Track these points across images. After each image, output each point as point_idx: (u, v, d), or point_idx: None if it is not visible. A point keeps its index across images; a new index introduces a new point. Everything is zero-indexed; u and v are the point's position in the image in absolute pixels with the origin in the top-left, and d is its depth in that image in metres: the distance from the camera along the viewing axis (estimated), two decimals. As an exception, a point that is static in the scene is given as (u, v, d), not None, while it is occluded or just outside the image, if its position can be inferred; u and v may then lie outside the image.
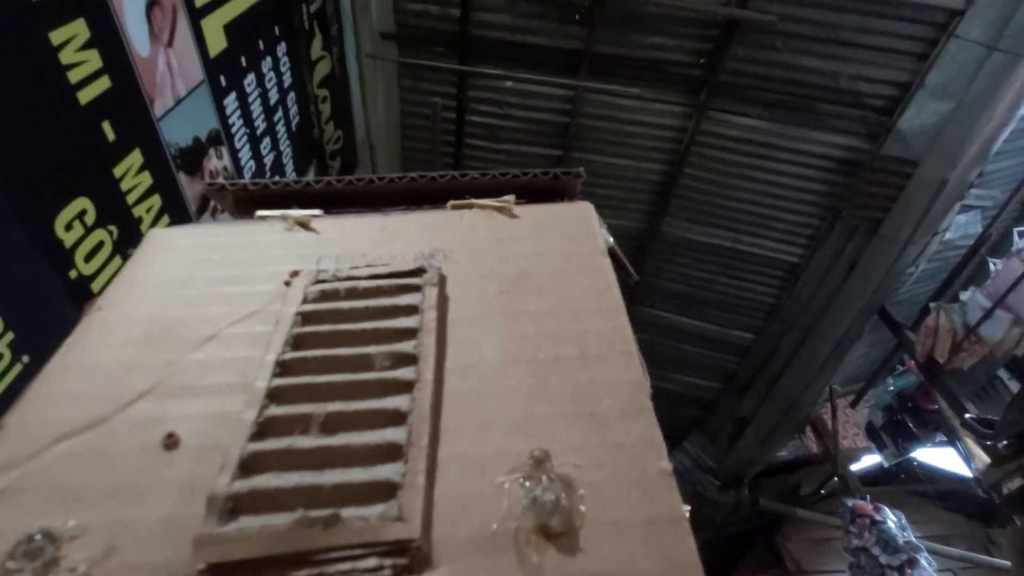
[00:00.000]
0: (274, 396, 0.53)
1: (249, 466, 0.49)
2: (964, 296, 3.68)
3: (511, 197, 0.77)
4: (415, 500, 0.47)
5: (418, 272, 0.64)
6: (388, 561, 0.44)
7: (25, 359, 1.34)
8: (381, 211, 0.76)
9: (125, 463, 0.50)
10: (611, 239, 0.76)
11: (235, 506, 0.47)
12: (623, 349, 0.60)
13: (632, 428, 0.53)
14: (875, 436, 5.34)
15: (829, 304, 3.67)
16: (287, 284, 0.64)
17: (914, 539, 6.02)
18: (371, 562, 0.44)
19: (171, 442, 0.51)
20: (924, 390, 4.48)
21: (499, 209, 0.75)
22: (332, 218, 0.74)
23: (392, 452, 0.50)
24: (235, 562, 0.44)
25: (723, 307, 4.12)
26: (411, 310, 0.61)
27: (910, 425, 4.96)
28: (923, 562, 6.01)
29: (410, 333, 0.58)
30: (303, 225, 0.71)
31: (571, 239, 0.71)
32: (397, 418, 0.52)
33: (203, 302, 0.63)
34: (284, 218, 0.72)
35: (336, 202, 0.77)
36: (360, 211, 0.77)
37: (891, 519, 5.77)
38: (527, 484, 0.49)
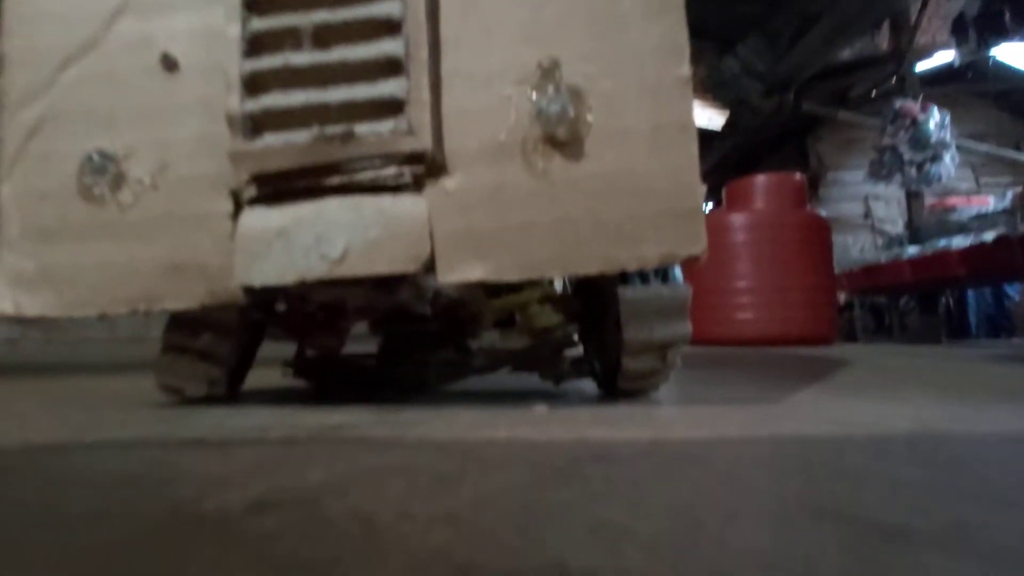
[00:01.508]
0: (252, 6, 0.48)
1: (254, 85, 0.48)
2: None
3: None
4: (423, 115, 0.47)
5: None
6: (407, 169, 0.49)
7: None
8: None
9: (138, 87, 0.51)
10: None
11: (255, 125, 0.49)
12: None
13: (653, 30, 0.47)
14: (960, 30, 4.74)
15: None
16: None
17: (948, 138, 6.07)
18: (392, 170, 0.49)
19: (169, 63, 0.50)
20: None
21: None
22: None
23: (393, 67, 0.47)
24: (272, 173, 0.49)
25: None
26: None
27: (1006, 16, 4.31)
28: (946, 159, 6.22)
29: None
30: None
31: None
32: (391, 27, 0.47)
33: None
34: None
35: None
36: None
37: (933, 119, 5.69)
38: (535, 96, 0.47)
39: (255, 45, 0.48)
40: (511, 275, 0.49)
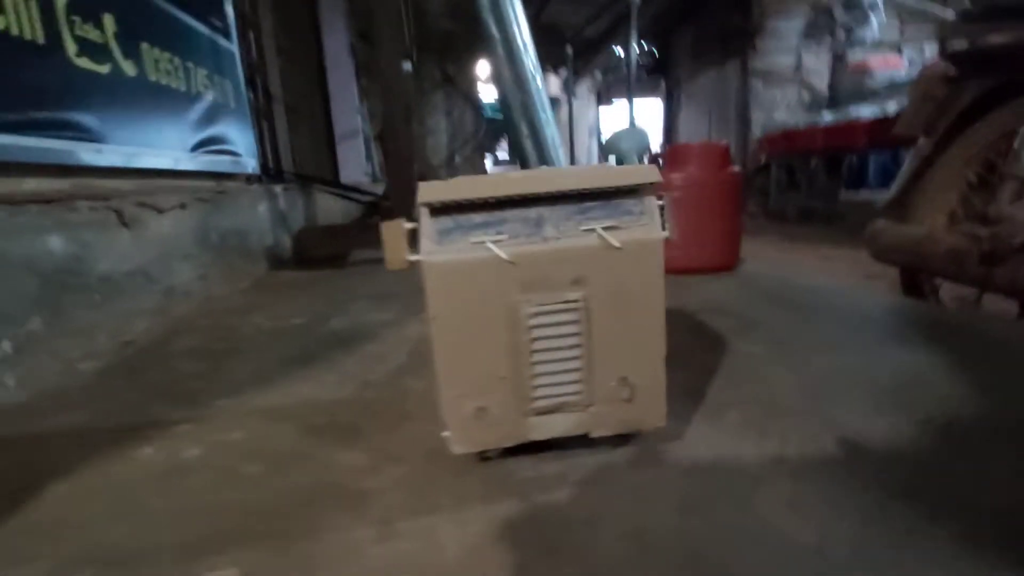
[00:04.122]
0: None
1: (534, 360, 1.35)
2: None
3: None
4: (587, 398, 1.36)
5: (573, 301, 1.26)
6: (578, 406, 1.39)
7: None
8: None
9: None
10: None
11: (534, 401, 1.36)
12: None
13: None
14: None
15: None
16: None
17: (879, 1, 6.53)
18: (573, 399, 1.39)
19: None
20: None
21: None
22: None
23: (576, 371, 1.34)
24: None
25: None
26: (572, 312, 1.28)
27: None
28: (874, 23, 6.73)
29: (575, 332, 1.30)
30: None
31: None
32: (576, 359, 1.33)
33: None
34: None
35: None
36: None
37: (870, -28, 6.11)
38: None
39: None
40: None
